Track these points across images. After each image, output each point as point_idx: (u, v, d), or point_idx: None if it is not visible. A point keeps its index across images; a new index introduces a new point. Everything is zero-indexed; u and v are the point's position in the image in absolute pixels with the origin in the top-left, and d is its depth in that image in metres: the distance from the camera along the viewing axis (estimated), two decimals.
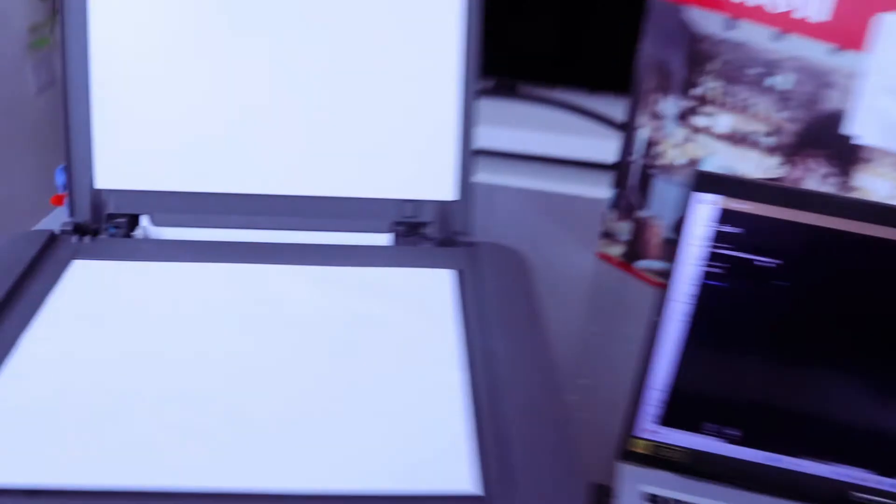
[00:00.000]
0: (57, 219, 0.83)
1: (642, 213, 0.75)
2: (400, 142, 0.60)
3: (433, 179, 0.60)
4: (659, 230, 0.74)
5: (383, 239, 0.61)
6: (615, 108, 1.75)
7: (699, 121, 0.68)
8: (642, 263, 0.77)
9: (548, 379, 0.46)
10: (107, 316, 0.50)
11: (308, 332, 0.49)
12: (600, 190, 0.86)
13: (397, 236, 0.61)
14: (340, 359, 0.47)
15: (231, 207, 0.60)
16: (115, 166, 0.59)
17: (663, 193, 0.73)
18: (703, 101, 0.67)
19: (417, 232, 0.61)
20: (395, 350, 0.48)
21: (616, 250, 0.79)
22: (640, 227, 0.75)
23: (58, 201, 0.77)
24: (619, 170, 0.76)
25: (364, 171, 0.60)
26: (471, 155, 0.60)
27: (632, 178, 0.75)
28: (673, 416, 0.51)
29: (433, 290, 0.54)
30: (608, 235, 0.79)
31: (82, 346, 0.47)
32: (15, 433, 0.40)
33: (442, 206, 0.61)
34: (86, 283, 0.53)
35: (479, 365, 0.47)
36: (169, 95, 0.59)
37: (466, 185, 0.60)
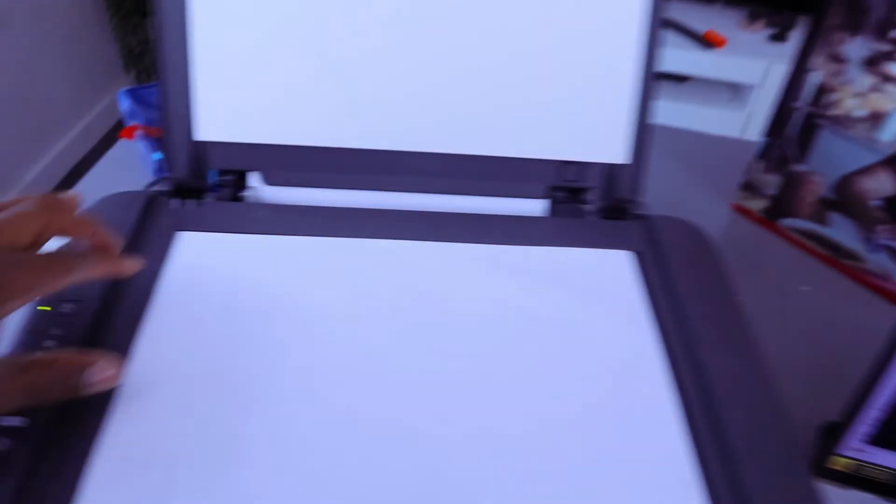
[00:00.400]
0: (121, 152, 0.73)
1: (798, 167, 0.65)
2: (562, 93, 0.50)
3: (602, 139, 0.50)
4: (817, 188, 0.65)
5: (538, 206, 0.52)
6: (690, 15, 1.61)
7: (893, 68, 0.57)
8: (788, 222, 0.68)
9: (769, 396, 0.39)
10: (230, 312, 0.41)
11: (478, 335, 0.41)
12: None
13: (554, 203, 0.52)
14: (523, 371, 0.40)
15: (357, 165, 0.50)
16: (219, 115, 0.49)
17: (829, 147, 0.63)
18: None
19: (577, 198, 0.52)
20: (586, 360, 0.41)
21: (757, 204, 0.70)
22: (793, 182, 0.66)
23: (127, 134, 0.66)
24: (776, 116, 0.65)
25: (519, 128, 0.50)
26: (649, 113, 0.50)
27: (791, 127, 0.65)
28: (886, 436, 0.44)
29: (614, 279, 0.46)
30: (750, 187, 0.70)
31: (207, 361, 0.38)
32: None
33: (609, 170, 0.51)
34: (197, 265, 0.44)
35: (686, 378, 0.40)
36: (288, 31, 0.48)
37: (641, 147, 0.51)
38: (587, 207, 0.52)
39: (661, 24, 0.48)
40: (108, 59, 2.21)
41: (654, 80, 0.49)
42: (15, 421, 0.34)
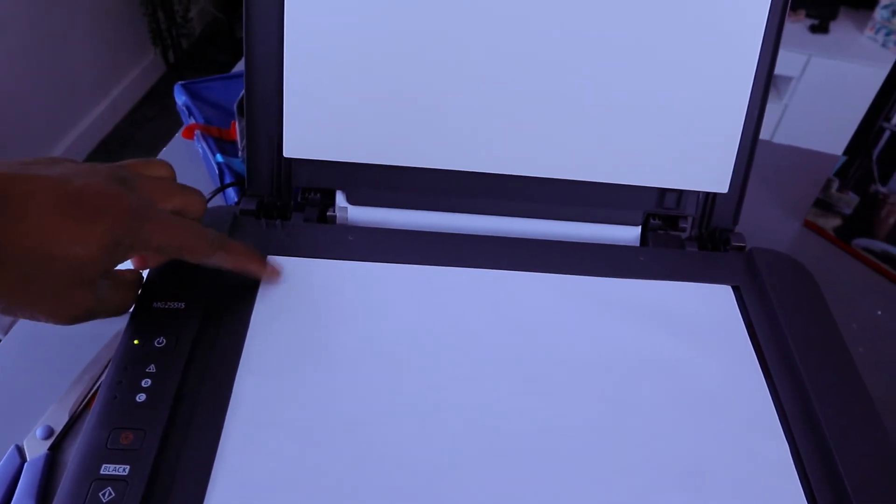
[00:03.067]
0: (178, 150, 0.71)
1: (881, 188, 0.63)
2: (671, 119, 0.48)
3: (706, 167, 0.49)
4: None
5: (631, 233, 0.50)
6: None
7: None
8: (861, 242, 0.66)
9: (884, 449, 0.37)
10: (327, 347, 0.40)
11: (580, 374, 0.40)
12: None
13: (648, 230, 0.50)
14: (630, 416, 0.38)
15: (445, 187, 0.49)
16: (307, 132, 0.47)
17: None
18: None
19: (673, 227, 0.50)
20: (695, 405, 0.39)
21: (830, 223, 0.68)
22: (873, 204, 0.64)
23: (189, 135, 0.64)
24: (859, 133, 0.63)
25: (622, 153, 0.48)
26: (755, 143, 0.48)
27: (878, 147, 0.63)
28: None
29: (717, 317, 0.44)
30: (824, 205, 0.68)
31: (307, 400, 0.37)
32: None
33: (708, 199, 0.50)
34: (290, 295, 0.42)
35: (798, 428, 0.39)
36: (380, 49, 0.46)
37: (742, 177, 0.49)
38: (682, 235, 0.50)
39: (777, 53, 0.46)
40: (137, 33, 2.20)
41: (764, 108, 0.47)
42: (119, 470, 0.33)
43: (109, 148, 2.04)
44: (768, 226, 0.70)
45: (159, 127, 2.11)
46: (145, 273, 0.41)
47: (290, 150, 0.47)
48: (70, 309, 0.34)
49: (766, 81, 0.47)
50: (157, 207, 0.36)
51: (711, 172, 0.49)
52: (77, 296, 0.33)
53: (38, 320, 0.33)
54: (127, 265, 0.38)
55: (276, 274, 0.42)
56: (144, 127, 2.12)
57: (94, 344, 0.52)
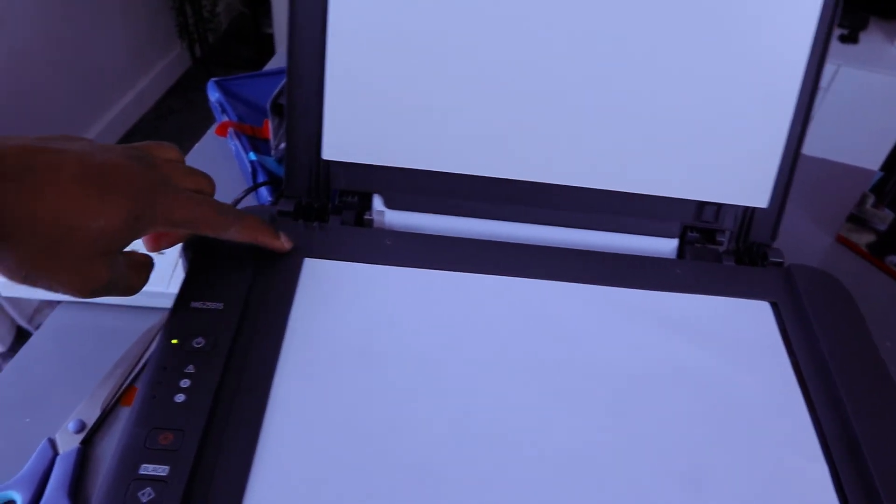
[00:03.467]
0: (210, 146, 0.71)
1: None
2: (715, 132, 0.47)
3: (747, 181, 0.48)
4: None
5: (668, 245, 0.50)
6: None
7: None
8: (895, 259, 0.66)
9: None
10: (365, 352, 0.40)
11: (618, 388, 0.40)
12: None
13: (686, 243, 0.50)
14: (663, 432, 0.38)
15: (482, 193, 0.48)
16: (346, 135, 0.47)
17: None
18: None
19: (710, 240, 0.50)
20: (731, 423, 0.39)
21: (863, 238, 0.67)
22: None
23: (222, 132, 0.64)
24: None
25: (664, 165, 0.48)
26: (796, 157, 0.48)
27: None
28: None
29: (755, 333, 0.44)
30: (858, 220, 0.67)
31: (343, 407, 0.37)
32: None
33: (746, 213, 0.49)
34: (328, 298, 0.42)
35: (837, 448, 0.38)
36: (421, 54, 0.46)
37: (782, 192, 0.48)
38: (719, 249, 0.50)
39: (822, 67, 0.46)
40: (164, 27, 2.22)
41: (808, 123, 0.47)
42: (158, 471, 0.33)
43: (134, 140, 2.05)
44: (800, 240, 0.69)
45: (184, 120, 2.12)
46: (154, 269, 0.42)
47: (329, 152, 0.47)
48: (88, 282, 0.34)
49: (810, 96, 0.46)
50: (175, 184, 0.36)
51: (751, 187, 0.48)
52: (96, 268, 0.34)
53: (57, 291, 0.34)
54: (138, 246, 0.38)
55: (288, 244, 0.42)
56: (169, 120, 2.13)
57: (126, 340, 0.52)
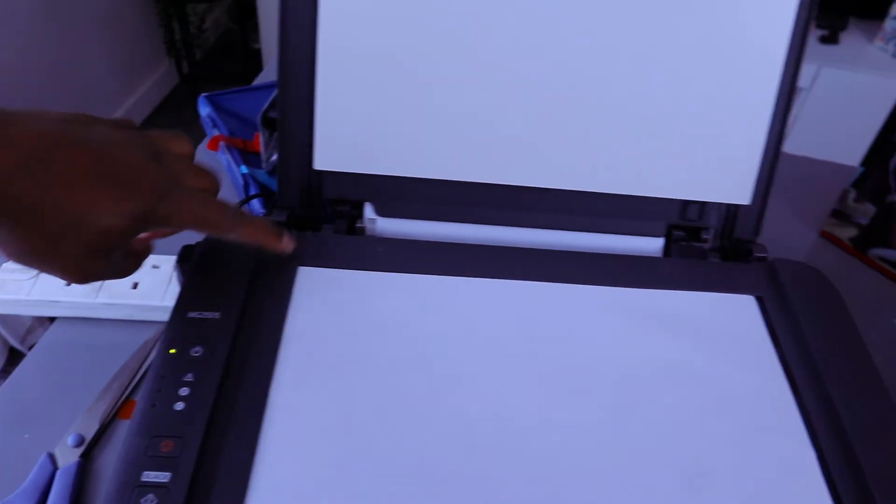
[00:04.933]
0: (202, 160, 0.71)
1: None
2: (696, 132, 0.48)
3: (729, 179, 0.49)
4: None
5: (654, 245, 0.51)
6: None
7: None
8: (878, 252, 0.67)
9: None
10: (362, 358, 0.40)
11: (610, 383, 0.40)
12: None
13: (671, 242, 0.51)
14: (652, 426, 0.39)
15: (471, 199, 0.49)
16: (337, 145, 0.48)
17: None
18: None
19: (695, 238, 0.51)
20: (719, 415, 0.40)
21: (846, 233, 0.69)
22: (890, 214, 0.65)
23: (214, 146, 0.65)
24: (876, 145, 0.64)
25: (647, 166, 0.49)
26: (777, 154, 0.49)
27: (895, 158, 0.63)
28: None
29: (741, 327, 0.45)
30: (841, 215, 0.68)
31: (342, 414, 0.38)
32: None
33: (730, 210, 0.50)
34: (323, 305, 0.43)
35: (824, 435, 0.39)
36: (410, 63, 0.47)
37: (763, 189, 0.49)
38: (704, 246, 0.51)
39: (800, 65, 0.47)
40: (152, 44, 2.23)
41: (787, 121, 0.48)
42: (160, 477, 0.34)
43: None
44: (785, 236, 0.70)
45: None
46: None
47: (321, 162, 0.48)
48: (84, 273, 0.35)
49: (789, 94, 0.48)
50: (184, 184, 0.37)
51: (734, 184, 0.49)
52: (94, 261, 0.34)
53: (49, 273, 0.34)
54: None
55: (290, 244, 0.43)
56: None
57: (122, 354, 0.52)
